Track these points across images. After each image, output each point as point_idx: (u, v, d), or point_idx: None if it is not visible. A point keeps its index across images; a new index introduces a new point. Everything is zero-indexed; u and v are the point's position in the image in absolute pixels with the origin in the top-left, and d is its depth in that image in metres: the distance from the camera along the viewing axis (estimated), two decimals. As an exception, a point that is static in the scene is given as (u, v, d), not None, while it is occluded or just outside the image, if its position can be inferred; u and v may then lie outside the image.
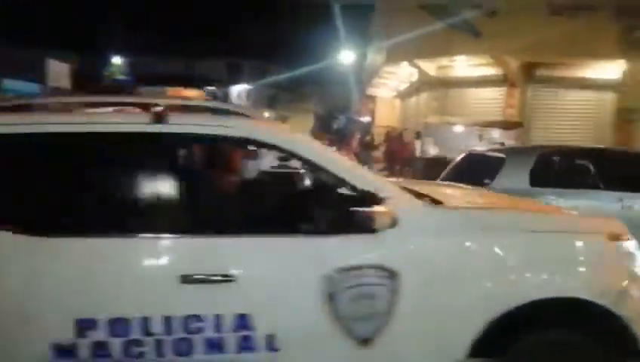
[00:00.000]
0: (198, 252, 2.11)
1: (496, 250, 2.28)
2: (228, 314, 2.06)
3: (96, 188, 2.22)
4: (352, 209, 2.10)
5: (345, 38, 12.76)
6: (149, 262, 2.14)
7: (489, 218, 2.46)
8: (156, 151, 2.22)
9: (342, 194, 2.27)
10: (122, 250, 2.09)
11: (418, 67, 14.16)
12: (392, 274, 2.11)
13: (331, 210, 2.21)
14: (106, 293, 2.03)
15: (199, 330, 2.05)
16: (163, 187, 2.18)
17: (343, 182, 2.23)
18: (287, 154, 2.47)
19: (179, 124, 2.21)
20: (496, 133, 11.79)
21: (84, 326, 1.98)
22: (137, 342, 2.03)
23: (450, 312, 2.16)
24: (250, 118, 2.71)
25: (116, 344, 2.01)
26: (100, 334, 2.00)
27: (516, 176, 4.94)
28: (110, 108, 2.78)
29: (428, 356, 2.19)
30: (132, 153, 2.22)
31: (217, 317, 2.06)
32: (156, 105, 2.25)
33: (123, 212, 2.19)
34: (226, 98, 18.34)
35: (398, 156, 13.50)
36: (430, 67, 14.08)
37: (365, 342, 2.13)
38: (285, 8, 21.94)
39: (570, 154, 5.57)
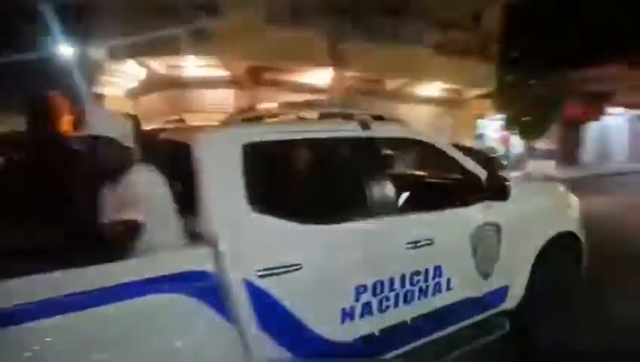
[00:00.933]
0: (413, 225, 2.92)
1: (543, 205, 3.85)
2: (431, 268, 2.95)
3: (339, 181, 2.93)
4: (490, 185, 3.26)
5: (58, 34, 11.21)
6: (388, 236, 2.78)
7: (535, 187, 4.51)
8: (367, 152, 2.91)
9: (474, 177, 3.32)
10: (370, 230, 2.72)
11: (147, 66, 13.51)
12: (498, 228, 3.32)
13: (471, 189, 3.30)
14: (367, 264, 2.67)
15: (418, 282, 2.89)
16: (378, 179, 2.83)
17: (465, 169, 3.36)
18: (429, 148, 3.27)
19: (377, 129, 2.97)
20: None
21: (360, 291, 2.63)
22: (387, 298, 2.76)
23: (526, 242, 3.56)
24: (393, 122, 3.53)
25: (375, 302, 2.71)
26: (367, 296, 2.66)
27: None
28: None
29: (518, 266, 3.54)
30: (352, 153, 2.98)
31: (426, 271, 2.93)
32: (358, 114, 3.01)
33: (360, 199, 2.74)
34: None
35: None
36: (160, 66, 13.60)
37: (486, 275, 3.30)
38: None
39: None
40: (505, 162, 18.92)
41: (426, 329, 3.01)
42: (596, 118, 24.39)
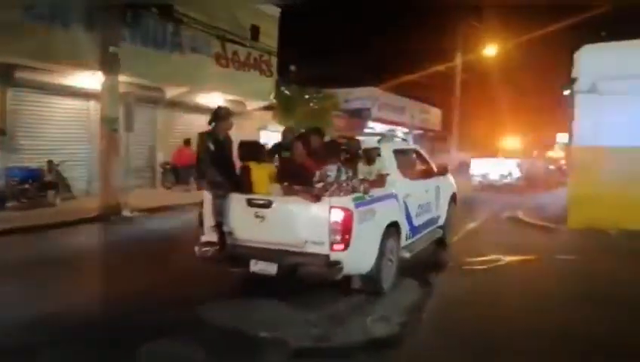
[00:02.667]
0: (436, 182, 7.73)
1: (450, 180, 8.62)
2: (433, 200, 7.40)
3: (415, 163, 8.05)
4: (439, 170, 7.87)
5: None
6: (429, 184, 7.54)
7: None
8: (414, 154, 8.01)
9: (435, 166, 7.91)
10: (424, 182, 7.37)
11: None
12: (439, 187, 7.72)
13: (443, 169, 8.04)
14: (422, 195, 6.98)
15: (431, 204, 7.28)
16: (424, 163, 7.94)
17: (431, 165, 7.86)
18: (419, 155, 7.90)
19: (403, 143, 8.48)
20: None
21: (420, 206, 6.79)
22: (426, 210, 7.04)
23: (446, 195, 8.11)
24: None
25: (422, 211, 6.85)
26: (421, 209, 6.81)
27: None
28: None
29: (443, 206, 7.98)
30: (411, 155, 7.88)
31: (434, 200, 7.42)
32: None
33: (423, 171, 7.88)
34: None
35: None
36: None
37: (437, 208, 7.57)
38: None
39: None
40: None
41: (428, 225, 7.16)
42: (360, 131, 27.80)
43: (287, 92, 19.23)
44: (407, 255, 6.02)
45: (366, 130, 27.68)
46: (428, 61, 28.63)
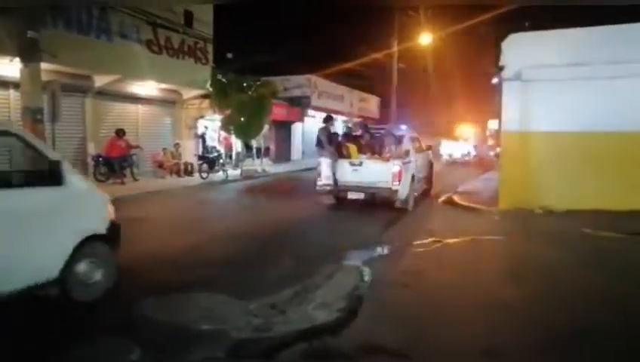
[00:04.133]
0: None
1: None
2: (426, 166, 13.75)
3: None
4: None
5: None
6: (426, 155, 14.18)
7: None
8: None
9: None
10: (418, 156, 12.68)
11: None
12: None
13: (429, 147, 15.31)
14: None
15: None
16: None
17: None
18: None
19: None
20: None
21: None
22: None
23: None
24: None
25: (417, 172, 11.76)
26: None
27: None
28: None
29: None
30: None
31: (425, 165, 13.49)
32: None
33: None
34: None
35: None
36: None
37: None
38: None
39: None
40: (228, 161, 19.70)
41: (422, 178, 12.74)
42: (300, 120, 27.73)
43: (224, 80, 18.80)
44: (415, 193, 11.50)
45: (306, 118, 27.78)
46: (365, 50, 29.01)
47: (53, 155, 4.63)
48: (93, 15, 13.58)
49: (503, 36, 10.98)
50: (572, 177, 10.05)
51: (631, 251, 7.21)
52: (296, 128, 28.48)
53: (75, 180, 4.77)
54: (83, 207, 4.89)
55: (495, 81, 12.36)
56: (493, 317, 4.52)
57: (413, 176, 11.03)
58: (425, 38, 29.01)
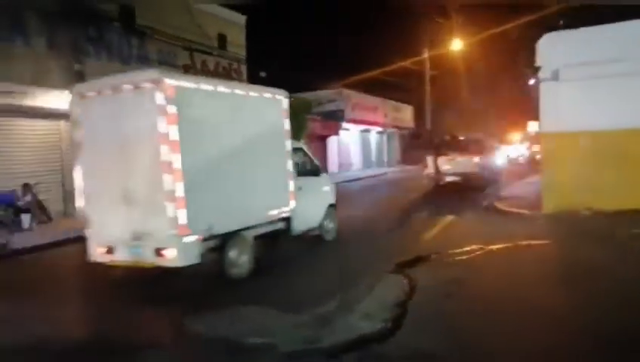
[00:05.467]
0: None
1: None
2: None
3: None
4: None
5: None
6: None
7: None
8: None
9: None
10: None
11: None
12: None
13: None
14: None
15: None
16: None
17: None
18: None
19: None
20: None
21: None
22: None
23: None
24: None
25: None
26: None
27: None
28: None
29: None
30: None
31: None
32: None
33: None
34: None
35: None
36: None
37: None
38: None
39: None
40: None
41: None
42: (335, 133, 27.93)
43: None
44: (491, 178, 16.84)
45: (341, 131, 27.90)
46: (396, 60, 28.99)
47: (316, 161, 8.95)
48: (132, 45, 14.24)
49: (536, 37, 10.81)
50: (619, 176, 9.70)
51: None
52: (332, 142, 28.66)
53: (324, 174, 9.16)
54: (328, 188, 9.05)
55: (532, 82, 12.13)
56: (540, 325, 4.43)
57: (488, 166, 17.02)
58: (457, 44, 28.76)
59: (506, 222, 10.17)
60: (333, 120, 27.27)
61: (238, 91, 6.77)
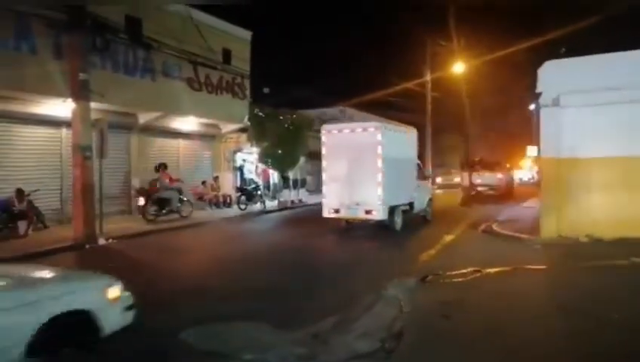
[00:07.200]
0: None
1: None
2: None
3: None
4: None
5: None
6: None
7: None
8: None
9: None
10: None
11: None
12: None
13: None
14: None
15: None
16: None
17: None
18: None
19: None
20: None
21: None
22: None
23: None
24: None
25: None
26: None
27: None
28: None
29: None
30: None
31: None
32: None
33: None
34: None
35: None
36: None
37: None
38: None
39: None
40: (265, 192, 20.07)
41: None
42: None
43: (261, 114, 19.31)
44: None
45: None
46: (399, 81, 29.18)
47: (426, 172, 16.34)
48: (138, 56, 14.34)
49: (537, 62, 10.92)
50: (620, 204, 9.72)
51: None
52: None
53: (429, 180, 16.71)
54: (430, 188, 15.62)
55: (532, 107, 12.23)
56: (535, 350, 4.40)
57: (505, 180, 24.24)
58: (459, 67, 28.96)
59: (504, 246, 10.15)
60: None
61: (402, 129, 13.93)
